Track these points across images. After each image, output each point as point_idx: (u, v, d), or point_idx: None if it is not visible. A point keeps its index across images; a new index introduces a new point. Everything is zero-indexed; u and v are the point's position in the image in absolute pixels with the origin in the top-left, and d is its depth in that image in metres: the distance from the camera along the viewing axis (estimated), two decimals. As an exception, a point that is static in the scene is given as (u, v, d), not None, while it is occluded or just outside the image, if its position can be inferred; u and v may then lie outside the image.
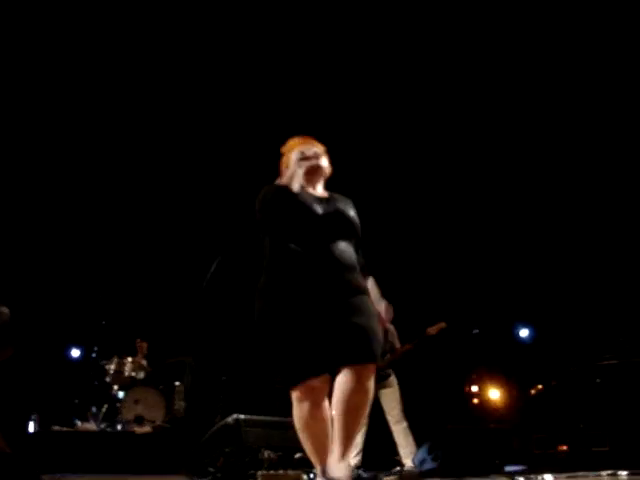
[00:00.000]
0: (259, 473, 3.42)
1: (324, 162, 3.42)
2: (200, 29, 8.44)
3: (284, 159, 3.45)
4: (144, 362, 8.29)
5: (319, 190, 3.39)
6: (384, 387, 6.34)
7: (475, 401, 10.78)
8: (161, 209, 9.67)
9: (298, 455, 3.96)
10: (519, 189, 9.59)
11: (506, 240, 10.07)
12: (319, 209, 3.22)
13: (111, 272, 9.95)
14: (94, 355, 8.29)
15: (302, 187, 3.29)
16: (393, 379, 6.42)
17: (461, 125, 9.15)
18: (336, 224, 3.22)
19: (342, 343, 2.95)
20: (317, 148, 3.45)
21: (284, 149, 3.49)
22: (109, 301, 9.82)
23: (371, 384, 3.02)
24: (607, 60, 8.15)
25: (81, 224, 9.60)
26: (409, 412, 6.33)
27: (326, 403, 3.07)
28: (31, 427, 7.44)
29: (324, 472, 2.96)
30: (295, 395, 3.00)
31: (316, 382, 2.96)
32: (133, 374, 8.03)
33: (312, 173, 3.34)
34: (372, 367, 3.02)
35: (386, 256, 9.52)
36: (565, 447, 7.82)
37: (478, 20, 8.31)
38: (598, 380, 7.92)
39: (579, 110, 8.71)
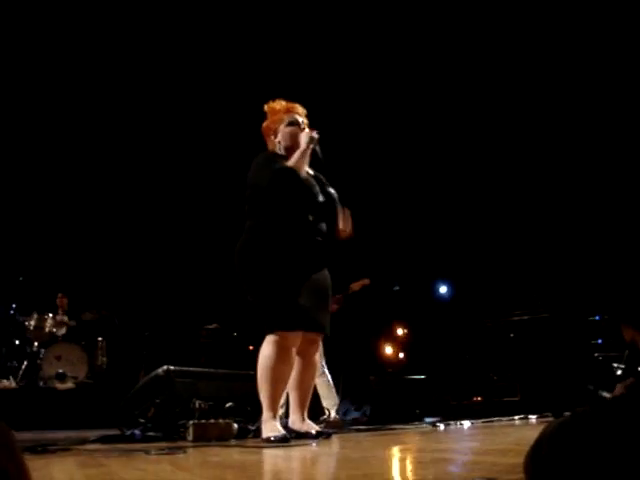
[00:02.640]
0: (190, 422, 3.46)
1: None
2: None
3: (269, 122, 3.67)
4: (65, 318, 8.15)
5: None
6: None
7: (393, 354, 11.10)
8: (84, 160, 9.43)
9: (228, 405, 4.03)
10: (441, 146, 9.78)
11: (427, 197, 10.28)
12: (318, 194, 3.59)
13: (28, 226, 9.65)
14: (12, 312, 8.08)
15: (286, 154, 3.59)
16: (317, 333, 6.54)
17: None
18: (329, 210, 3.63)
19: (324, 313, 3.48)
20: (303, 117, 3.70)
21: (269, 110, 3.69)
22: (27, 256, 9.54)
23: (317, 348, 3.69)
24: (607, 60, 8.33)
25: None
26: (330, 365, 6.48)
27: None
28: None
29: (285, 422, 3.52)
30: (279, 339, 3.30)
31: (300, 335, 3.36)
32: (54, 330, 7.89)
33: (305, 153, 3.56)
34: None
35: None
36: (480, 398, 8.20)
37: (477, 19, 8.35)
38: (511, 335, 8.29)
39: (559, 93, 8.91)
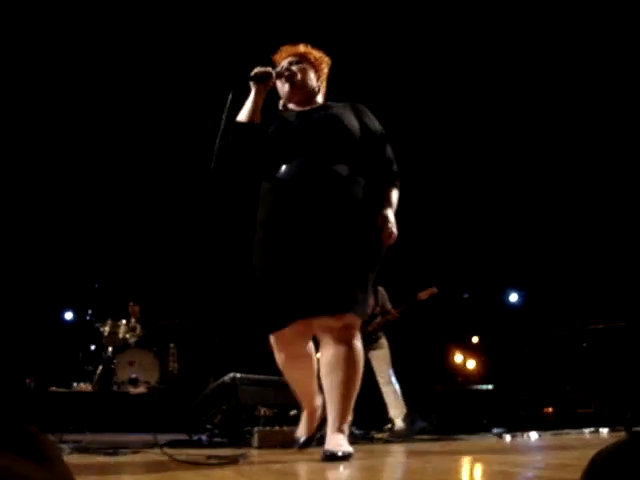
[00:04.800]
0: (255, 429, 3.51)
1: (299, 73, 2.97)
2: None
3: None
4: (137, 325, 8.38)
5: (317, 103, 3.01)
6: (375, 349, 6.46)
7: (461, 364, 10.96)
8: (157, 175, 9.65)
9: (293, 412, 4.07)
10: (511, 154, 9.62)
11: (497, 205, 10.13)
12: (291, 126, 2.84)
13: (104, 235, 9.97)
14: (88, 318, 8.37)
15: (285, 108, 3.00)
16: (384, 341, 6.54)
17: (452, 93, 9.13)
18: (312, 136, 2.79)
19: (308, 292, 2.62)
20: (291, 57, 3.01)
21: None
22: (102, 264, 9.87)
23: (353, 341, 2.68)
24: (607, 59, 8.16)
25: (76, 188, 9.59)
26: (398, 373, 6.47)
27: (306, 350, 2.89)
28: (29, 388, 7.55)
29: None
30: (272, 344, 2.86)
31: (286, 333, 2.73)
32: (127, 336, 8.13)
33: (292, 91, 2.96)
34: (348, 319, 2.63)
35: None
36: (551, 409, 8.01)
37: (476, 18, 8.27)
38: (584, 344, 8.08)
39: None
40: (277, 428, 3.58)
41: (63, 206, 9.68)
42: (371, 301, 6.45)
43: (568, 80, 8.56)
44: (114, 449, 3.06)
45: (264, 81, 2.86)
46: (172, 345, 8.21)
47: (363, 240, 2.69)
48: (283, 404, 4.10)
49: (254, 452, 3.20)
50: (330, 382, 2.70)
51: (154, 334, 8.38)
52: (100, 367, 7.83)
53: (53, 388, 7.18)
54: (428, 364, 9.45)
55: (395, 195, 2.90)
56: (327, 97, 3.13)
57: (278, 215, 2.72)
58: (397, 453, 3.19)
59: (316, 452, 3.31)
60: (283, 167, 2.75)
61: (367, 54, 8.21)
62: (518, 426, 6.39)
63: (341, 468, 2.42)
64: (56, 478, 0.87)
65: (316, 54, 3.04)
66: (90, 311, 8.39)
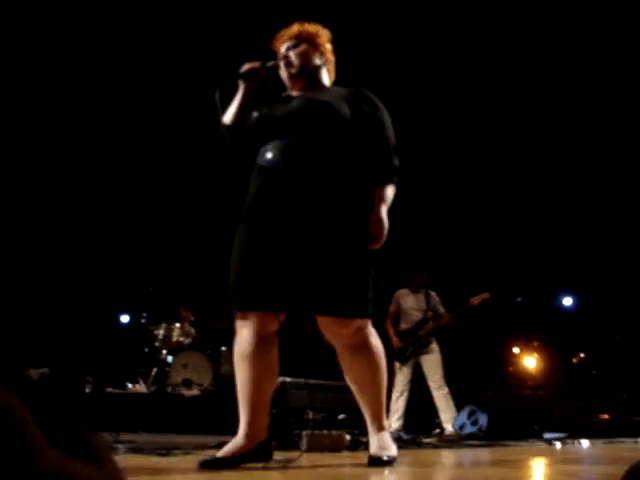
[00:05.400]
0: (304, 433, 3.56)
1: (297, 58, 2.77)
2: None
3: None
4: (191, 328, 8.52)
5: (321, 84, 2.83)
6: (426, 353, 6.47)
7: (515, 368, 10.82)
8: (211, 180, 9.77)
9: (341, 416, 4.11)
10: (565, 162, 9.48)
11: (552, 208, 10.00)
12: (280, 110, 2.68)
13: (160, 240, 10.16)
14: (143, 321, 8.55)
15: (289, 96, 2.80)
16: (435, 345, 6.54)
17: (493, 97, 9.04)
18: (298, 120, 2.62)
19: (309, 288, 2.51)
20: (288, 41, 2.82)
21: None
22: (157, 268, 10.06)
23: (369, 340, 2.62)
24: (608, 59, 8.05)
25: (133, 193, 9.79)
26: (449, 378, 6.45)
27: (269, 354, 2.64)
28: (86, 389, 7.75)
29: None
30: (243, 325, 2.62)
31: (254, 316, 2.57)
32: (181, 339, 8.26)
33: (291, 80, 2.80)
34: (359, 323, 2.57)
35: (429, 225, 9.57)
36: (607, 416, 7.85)
37: (476, 18, 8.19)
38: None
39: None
40: (325, 432, 3.62)
41: (120, 211, 9.91)
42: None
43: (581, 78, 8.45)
44: (167, 450, 3.14)
45: (252, 79, 2.75)
46: (224, 348, 8.31)
47: (358, 237, 2.55)
48: (331, 408, 4.14)
49: (302, 455, 3.24)
50: (359, 387, 2.71)
51: (208, 337, 8.50)
52: (154, 369, 7.98)
53: (109, 389, 7.37)
54: (480, 368, 9.37)
55: (390, 192, 2.66)
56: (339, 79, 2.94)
57: (262, 201, 2.59)
58: (445, 459, 3.19)
59: (363, 456, 3.34)
60: (268, 152, 2.61)
61: (369, 51, 8.14)
62: (571, 432, 6.28)
63: (386, 472, 2.45)
64: (105, 477, 0.90)
65: (311, 29, 2.82)
66: (145, 314, 8.56)
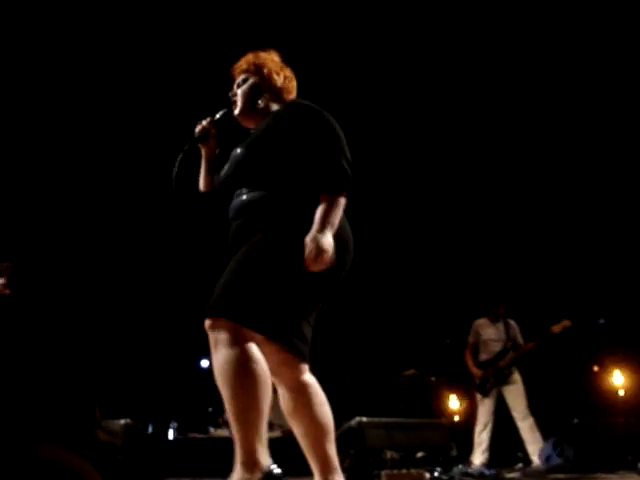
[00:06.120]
0: (383, 472, 3.55)
1: (238, 99, 2.68)
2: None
3: None
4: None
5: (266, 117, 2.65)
6: (508, 384, 6.33)
7: (602, 394, 10.42)
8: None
9: (420, 454, 4.07)
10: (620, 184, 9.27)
11: (629, 227, 9.72)
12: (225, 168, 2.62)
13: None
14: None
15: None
16: (517, 375, 6.39)
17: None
18: (233, 170, 2.54)
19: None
20: (237, 76, 2.72)
21: None
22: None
23: (219, 346, 2.14)
24: (607, 59, 7.87)
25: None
26: (533, 407, 6.27)
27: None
28: (171, 434, 7.90)
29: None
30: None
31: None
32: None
33: (239, 121, 2.71)
34: (214, 323, 2.21)
35: (511, 254, 9.45)
36: None
37: (476, 18, 8.12)
38: None
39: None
40: (404, 471, 3.59)
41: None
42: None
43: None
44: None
45: (204, 140, 2.72)
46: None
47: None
48: (409, 446, 4.10)
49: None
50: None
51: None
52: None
53: (192, 434, 7.47)
54: (566, 395, 9.08)
55: (324, 208, 2.29)
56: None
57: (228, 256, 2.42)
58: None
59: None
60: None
61: (367, 54, 8.09)
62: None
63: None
64: None
65: (254, 59, 2.70)
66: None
